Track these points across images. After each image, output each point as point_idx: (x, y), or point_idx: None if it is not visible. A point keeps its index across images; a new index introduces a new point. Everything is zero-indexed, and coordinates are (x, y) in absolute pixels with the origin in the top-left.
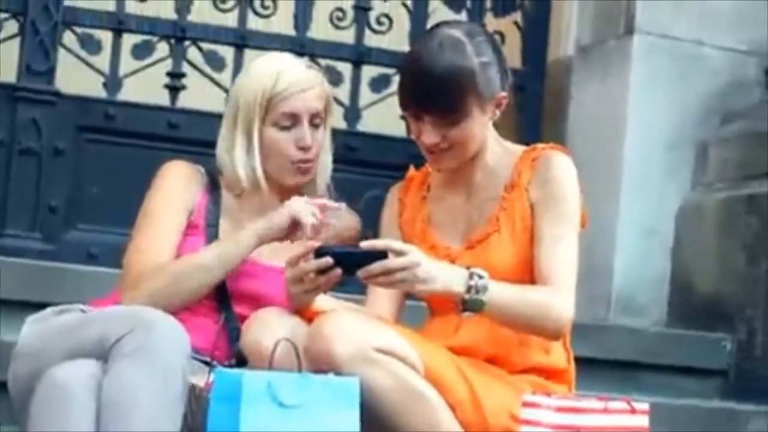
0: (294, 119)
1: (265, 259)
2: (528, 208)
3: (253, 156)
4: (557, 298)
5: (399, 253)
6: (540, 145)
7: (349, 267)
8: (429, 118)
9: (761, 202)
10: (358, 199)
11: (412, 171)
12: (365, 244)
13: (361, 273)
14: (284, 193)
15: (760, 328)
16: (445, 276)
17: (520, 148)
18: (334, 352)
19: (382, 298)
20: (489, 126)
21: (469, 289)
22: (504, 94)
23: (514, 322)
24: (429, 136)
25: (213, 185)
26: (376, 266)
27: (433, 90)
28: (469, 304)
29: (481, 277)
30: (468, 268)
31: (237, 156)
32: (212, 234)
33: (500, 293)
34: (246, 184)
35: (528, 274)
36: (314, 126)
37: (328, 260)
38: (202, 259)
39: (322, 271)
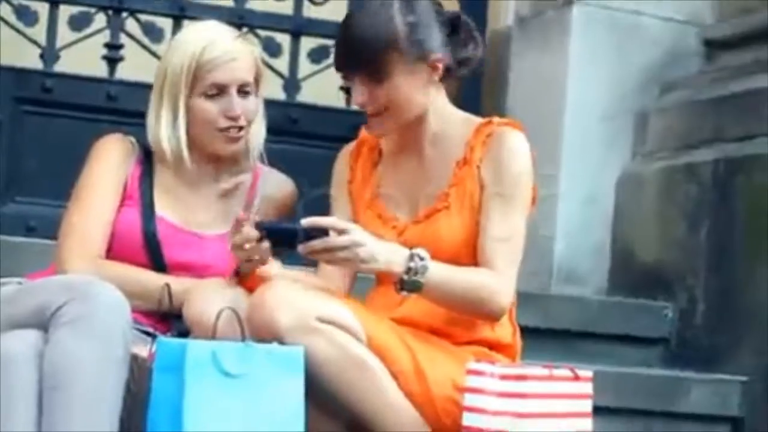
0: (221, 89)
1: (199, 228)
2: (478, 185)
3: (178, 127)
4: (497, 282)
5: (342, 231)
6: (495, 120)
7: (292, 242)
8: (356, 78)
9: (700, 171)
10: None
11: (363, 134)
12: (307, 222)
13: (302, 249)
14: (218, 162)
15: (700, 296)
16: (387, 256)
17: (475, 121)
18: (276, 321)
19: (334, 268)
20: (433, 91)
21: (408, 270)
22: (439, 56)
23: (451, 304)
24: (357, 95)
25: (146, 156)
26: (318, 243)
27: (354, 47)
28: (407, 285)
29: (422, 258)
30: (411, 247)
31: (162, 127)
32: (147, 204)
33: (439, 276)
34: (170, 157)
35: (475, 251)
36: (243, 94)
37: (256, 235)
38: (154, 285)
39: (260, 241)
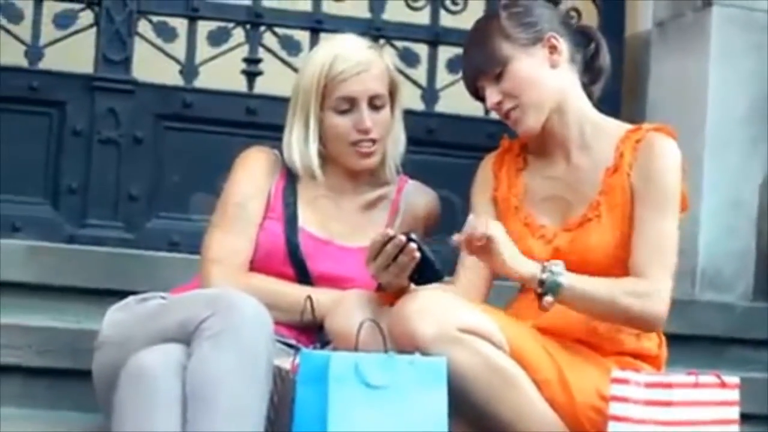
0: (352, 102)
1: (342, 240)
2: (629, 192)
3: (309, 143)
4: (649, 290)
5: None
6: (645, 126)
7: (429, 273)
8: (480, 81)
9: None
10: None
11: (506, 142)
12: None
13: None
14: (355, 176)
15: None
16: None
17: (623, 127)
18: (418, 332)
19: (471, 276)
20: (567, 82)
21: (543, 269)
22: (554, 34)
23: (596, 313)
24: (489, 97)
25: (290, 169)
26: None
27: (469, 52)
28: (547, 286)
29: (555, 266)
30: (561, 256)
31: (293, 143)
32: (290, 217)
33: (578, 280)
34: (301, 172)
35: (625, 262)
36: (375, 108)
37: (401, 238)
38: (295, 297)
39: (401, 251)
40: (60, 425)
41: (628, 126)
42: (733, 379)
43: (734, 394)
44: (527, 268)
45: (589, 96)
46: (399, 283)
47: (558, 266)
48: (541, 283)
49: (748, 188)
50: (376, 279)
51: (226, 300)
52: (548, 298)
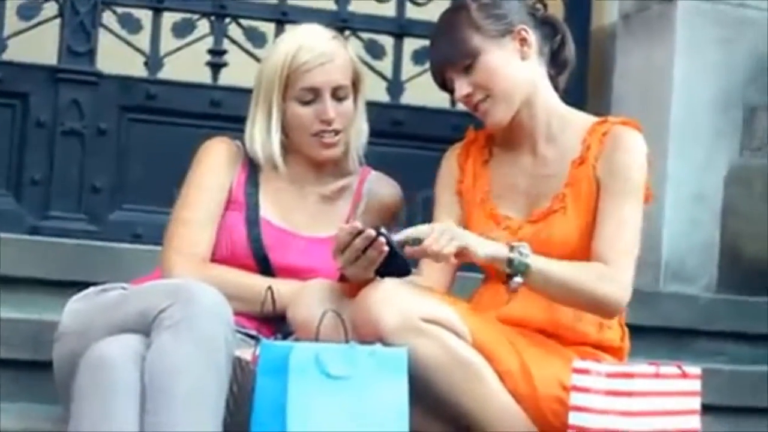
0: (315, 93)
1: (304, 231)
2: (594, 184)
3: (271, 132)
4: (611, 274)
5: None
6: (611, 119)
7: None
8: (449, 72)
9: None
10: (412, 199)
11: (471, 133)
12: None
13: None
14: (318, 167)
15: None
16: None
17: (590, 119)
18: (381, 322)
19: (434, 268)
20: (536, 75)
21: (511, 249)
22: (523, 27)
23: (561, 296)
24: (459, 89)
25: (252, 160)
26: (417, 250)
27: (438, 43)
28: (516, 266)
29: (522, 247)
30: (520, 240)
31: (256, 132)
32: (251, 207)
33: (545, 261)
34: (263, 162)
35: (589, 252)
36: (338, 99)
37: (371, 232)
38: (256, 288)
39: (370, 245)
40: (22, 417)
41: (594, 118)
42: (695, 369)
43: (695, 385)
44: (494, 249)
45: (555, 88)
46: (365, 276)
47: (525, 248)
48: (510, 263)
49: (713, 181)
50: (342, 271)
51: (185, 290)
52: (517, 279)
